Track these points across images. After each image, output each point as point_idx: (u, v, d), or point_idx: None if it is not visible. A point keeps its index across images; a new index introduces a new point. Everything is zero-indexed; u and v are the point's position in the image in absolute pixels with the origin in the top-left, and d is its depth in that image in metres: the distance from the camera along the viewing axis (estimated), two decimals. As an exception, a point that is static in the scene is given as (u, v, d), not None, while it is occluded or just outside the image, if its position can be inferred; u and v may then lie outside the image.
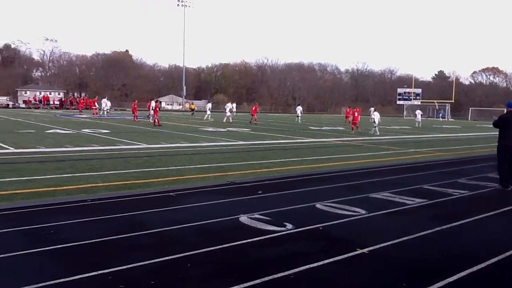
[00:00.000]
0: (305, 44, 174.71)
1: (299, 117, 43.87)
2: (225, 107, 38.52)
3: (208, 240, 5.43)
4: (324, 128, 33.27)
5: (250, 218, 6.47)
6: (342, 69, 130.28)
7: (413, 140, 24.43)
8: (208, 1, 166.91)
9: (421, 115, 43.91)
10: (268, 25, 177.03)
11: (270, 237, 5.62)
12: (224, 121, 36.22)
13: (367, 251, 5.18)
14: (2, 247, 4.95)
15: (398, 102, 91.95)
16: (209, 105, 45.23)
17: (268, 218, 6.46)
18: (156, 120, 28.87)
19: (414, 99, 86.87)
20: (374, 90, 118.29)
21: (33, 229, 5.74)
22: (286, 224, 6.18)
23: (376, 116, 28.39)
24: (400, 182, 10.12)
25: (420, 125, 41.70)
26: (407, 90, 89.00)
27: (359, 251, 5.15)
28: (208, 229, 5.94)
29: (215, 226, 6.09)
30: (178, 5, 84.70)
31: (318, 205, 7.45)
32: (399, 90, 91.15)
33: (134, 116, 35.67)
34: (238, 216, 6.54)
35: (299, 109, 45.79)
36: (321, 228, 6.12)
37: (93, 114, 40.45)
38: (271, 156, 14.26)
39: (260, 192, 8.45)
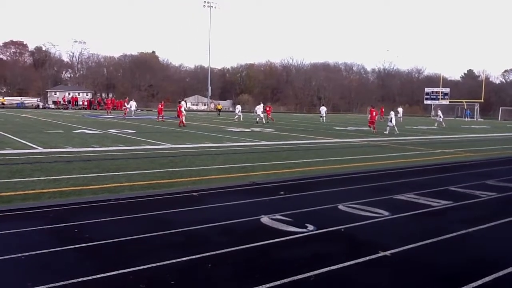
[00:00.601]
0: (331, 44, 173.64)
1: (323, 117, 43.86)
2: (256, 109, 39.05)
3: (229, 240, 5.45)
4: (349, 128, 32.97)
5: (272, 219, 6.45)
6: (369, 69, 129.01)
7: (440, 140, 23.98)
8: (233, 2, 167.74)
9: (440, 116, 42.30)
10: (294, 25, 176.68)
11: (291, 238, 5.59)
12: (257, 121, 36.61)
13: (390, 253, 5.11)
14: (29, 245, 5.07)
15: (425, 102, 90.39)
16: (239, 107, 45.49)
17: (289, 219, 6.43)
18: (182, 121, 29.03)
19: (442, 98, 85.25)
20: (401, 90, 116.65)
21: (58, 227, 5.86)
22: (308, 225, 6.15)
23: (392, 115, 28.24)
24: (425, 183, 9.94)
25: (441, 126, 40.22)
26: (435, 89, 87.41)
27: (381, 254, 5.08)
28: (230, 230, 5.96)
29: (237, 227, 6.10)
30: (204, 6, 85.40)
31: (340, 206, 7.38)
32: (427, 90, 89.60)
33: (158, 116, 36.01)
34: (260, 216, 6.54)
35: (323, 109, 45.93)
36: (343, 229, 6.07)
37: (124, 114, 40.94)
38: (294, 157, 14.21)
39: (282, 192, 8.43)
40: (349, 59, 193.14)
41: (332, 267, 4.61)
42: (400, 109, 45.58)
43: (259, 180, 9.71)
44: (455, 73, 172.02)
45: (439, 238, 5.76)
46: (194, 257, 4.82)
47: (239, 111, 43.47)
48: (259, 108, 38.06)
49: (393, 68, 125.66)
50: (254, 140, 19.97)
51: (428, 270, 4.69)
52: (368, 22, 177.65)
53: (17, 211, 6.61)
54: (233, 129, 27.13)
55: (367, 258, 4.94)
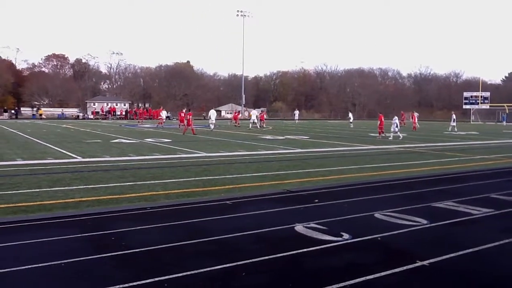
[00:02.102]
0: (365, 50, 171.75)
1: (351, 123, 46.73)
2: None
3: (264, 249, 5.43)
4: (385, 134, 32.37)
5: (306, 227, 6.40)
6: (404, 74, 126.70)
7: (480, 146, 23.24)
8: (267, 10, 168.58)
9: (454, 120, 41.22)
10: (327, 32, 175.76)
11: (326, 247, 5.53)
12: (251, 127, 38.50)
13: (428, 263, 4.97)
14: (68, 252, 5.21)
15: (464, 107, 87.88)
16: (255, 112, 45.77)
17: (324, 228, 6.36)
18: (190, 129, 29.34)
19: (481, 103, 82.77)
20: (438, 95, 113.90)
21: (96, 235, 6.00)
22: (343, 234, 6.06)
23: (396, 120, 27.64)
24: (465, 190, 9.65)
25: (455, 130, 38.91)
26: (474, 93, 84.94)
27: (419, 263, 4.95)
28: (264, 238, 5.94)
29: (271, 235, 6.08)
30: (237, 15, 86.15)
31: (376, 215, 7.25)
32: (466, 94, 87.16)
33: (179, 125, 35.82)
34: (294, 225, 6.49)
35: (350, 115, 48.69)
36: (379, 238, 5.94)
37: (159, 123, 41.57)
38: (329, 164, 14.07)
39: (316, 200, 8.35)
40: (384, 64, 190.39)
41: (368, 277, 4.52)
42: (416, 114, 44.51)
43: (293, 188, 9.66)
44: (495, 77, 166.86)
45: (479, 248, 5.56)
46: (228, 265, 4.83)
47: (256, 116, 44.34)
48: (254, 113, 41.03)
49: (429, 72, 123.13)
50: (288, 147, 19.91)
51: (467, 281, 4.54)
52: (403, 27, 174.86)
53: (57, 219, 6.81)
54: (267, 137, 27.15)
55: (405, 268, 4.81)
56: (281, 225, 6.53)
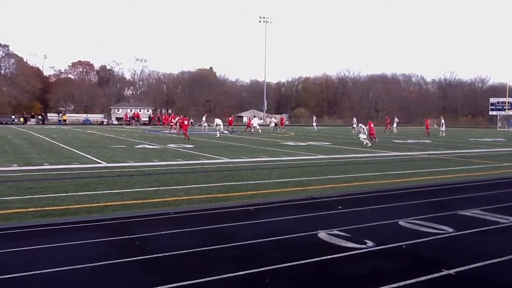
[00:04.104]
0: (388, 55, 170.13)
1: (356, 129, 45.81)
2: (252, 121, 42.80)
3: (287, 255, 5.42)
4: (409, 141, 31.98)
5: (329, 234, 6.36)
6: (429, 79, 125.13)
7: (508, 153, 22.72)
8: (289, 16, 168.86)
9: (443, 124, 42.15)
10: (349, 38, 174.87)
11: (349, 254, 5.48)
12: (253, 131, 40.15)
13: (454, 272, 4.88)
14: (94, 256, 5.29)
15: (490, 113, 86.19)
16: (257, 120, 46.35)
17: (347, 235, 6.31)
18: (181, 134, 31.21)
19: (508, 109, 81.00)
20: (464, 101, 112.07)
21: (121, 239, 6.08)
22: (367, 241, 6.00)
23: (362, 127, 27.48)
24: (492, 198, 9.44)
25: (443, 134, 40.08)
26: (501, 99, 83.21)
27: (445, 272, 4.86)
28: (287, 244, 5.93)
29: (294, 241, 6.06)
30: (259, 21, 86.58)
31: (401, 222, 7.15)
32: (492, 100, 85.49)
33: (169, 128, 36.45)
34: (317, 231, 6.46)
35: (354, 120, 48.53)
36: (404, 246, 5.86)
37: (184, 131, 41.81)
38: (352, 171, 13.96)
39: (339, 207, 8.29)
40: (407, 70, 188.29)
41: (392, 285, 4.46)
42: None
43: (316, 195, 9.61)
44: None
45: (507, 257, 5.43)
46: (252, 271, 4.84)
47: (271, 124, 45.93)
48: (255, 121, 42.73)
49: (454, 78, 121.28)
50: (310, 154, 19.83)
51: (497, 291, 4.44)
52: (427, 32, 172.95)
53: (83, 223, 6.94)
54: (289, 143, 27.10)
55: (430, 276, 4.74)
56: (304, 231, 6.50)
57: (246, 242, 5.94)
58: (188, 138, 29.58)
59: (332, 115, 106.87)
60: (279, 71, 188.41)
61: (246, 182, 11.20)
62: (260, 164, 15.62)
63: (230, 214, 7.77)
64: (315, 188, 10.59)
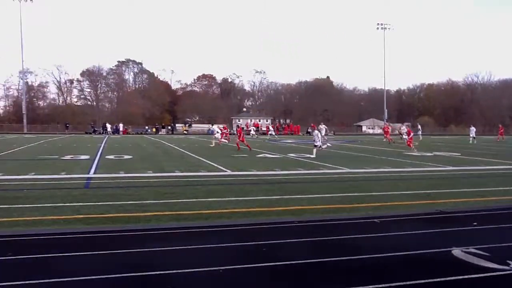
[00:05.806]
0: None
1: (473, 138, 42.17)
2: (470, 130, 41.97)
3: (417, 272, 5.16)
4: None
5: (465, 251, 5.92)
6: None
7: None
8: (408, 22, 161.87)
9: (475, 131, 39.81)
10: (476, 40, 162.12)
11: (490, 275, 5.04)
12: (269, 138, 40.29)
13: None
14: (222, 260, 5.55)
15: None
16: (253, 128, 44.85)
17: (486, 254, 5.82)
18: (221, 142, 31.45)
19: None
20: None
21: (249, 245, 6.30)
22: (510, 262, 5.47)
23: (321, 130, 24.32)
24: None
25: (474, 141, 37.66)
26: None
27: None
28: (417, 260, 5.65)
29: (424, 258, 5.75)
30: (377, 28, 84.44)
31: (549, 243, 6.41)
32: None
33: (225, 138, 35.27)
34: (451, 248, 6.05)
35: (472, 130, 43.20)
36: (555, 270, 5.24)
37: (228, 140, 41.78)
38: (487, 184, 12.86)
39: (475, 223, 7.69)
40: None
41: (545, 313, 4.01)
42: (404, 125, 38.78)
43: (447, 209, 9.03)
44: None
45: None
46: (377, 286, 4.69)
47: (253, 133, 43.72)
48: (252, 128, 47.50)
49: None
50: (438, 165, 18.69)
51: None
52: None
53: (213, 228, 7.32)
54: (414, 153, 25.84)
55: None
56: (436, 248, 6.14)
57: (372, 256, 5.77)
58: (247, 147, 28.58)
59: (460, 123, 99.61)
60: (399, 78, 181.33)
61: (369, 194, 10.91)
62: (383, 175, 15.12)
63: (354, 226, 7.63)
64: (445, 201, 9.95)
